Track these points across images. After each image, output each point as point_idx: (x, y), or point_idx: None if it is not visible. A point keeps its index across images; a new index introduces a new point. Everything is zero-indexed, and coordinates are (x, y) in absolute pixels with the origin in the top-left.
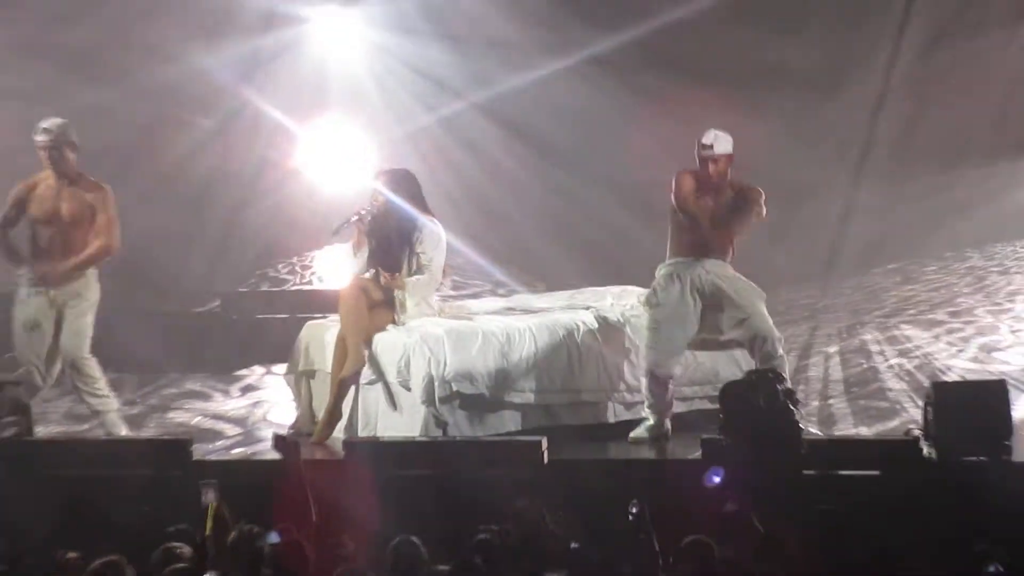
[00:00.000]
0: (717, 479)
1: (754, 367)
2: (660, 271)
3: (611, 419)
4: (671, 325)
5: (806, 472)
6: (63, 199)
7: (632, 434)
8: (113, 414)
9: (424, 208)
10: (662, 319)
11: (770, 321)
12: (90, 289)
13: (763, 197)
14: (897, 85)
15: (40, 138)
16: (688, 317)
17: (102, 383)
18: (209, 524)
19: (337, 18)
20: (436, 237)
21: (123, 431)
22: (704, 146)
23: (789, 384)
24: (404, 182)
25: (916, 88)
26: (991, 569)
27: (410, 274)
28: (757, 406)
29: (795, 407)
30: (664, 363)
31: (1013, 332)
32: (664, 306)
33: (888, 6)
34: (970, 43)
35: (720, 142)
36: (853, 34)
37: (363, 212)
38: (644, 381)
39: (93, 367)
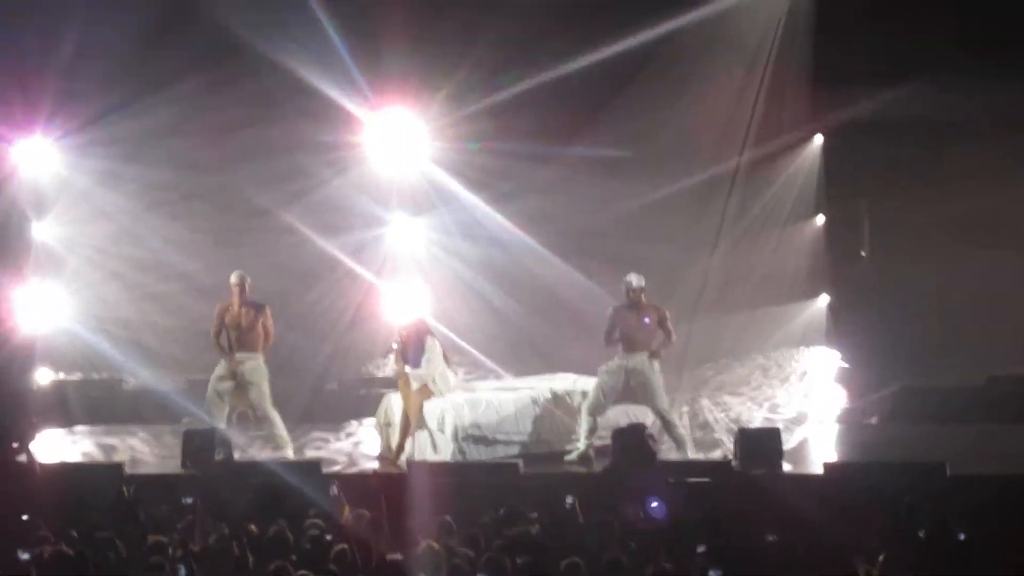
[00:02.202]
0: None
1: (635, 420)
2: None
3: (559, 450)
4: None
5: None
6: (243, 315)
7: (566, 457)
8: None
9: (429, 332)
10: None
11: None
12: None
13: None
14: (716, 264)
15: (234, 280)
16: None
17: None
18: (346, 510)
19: (407, 223)
20: (433, 347)
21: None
22: (628, 283)
23: (650, 431)
24: (418, 322)
25: (727, 266)
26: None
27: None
28: (633, 443)
29: (653, 443)
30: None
31: (787, 397)
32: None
33: (717, 213)
34: (738, 245)
35: (636, 280)
36: (691, 235)
37: (396, 341)
38: (585, 421)
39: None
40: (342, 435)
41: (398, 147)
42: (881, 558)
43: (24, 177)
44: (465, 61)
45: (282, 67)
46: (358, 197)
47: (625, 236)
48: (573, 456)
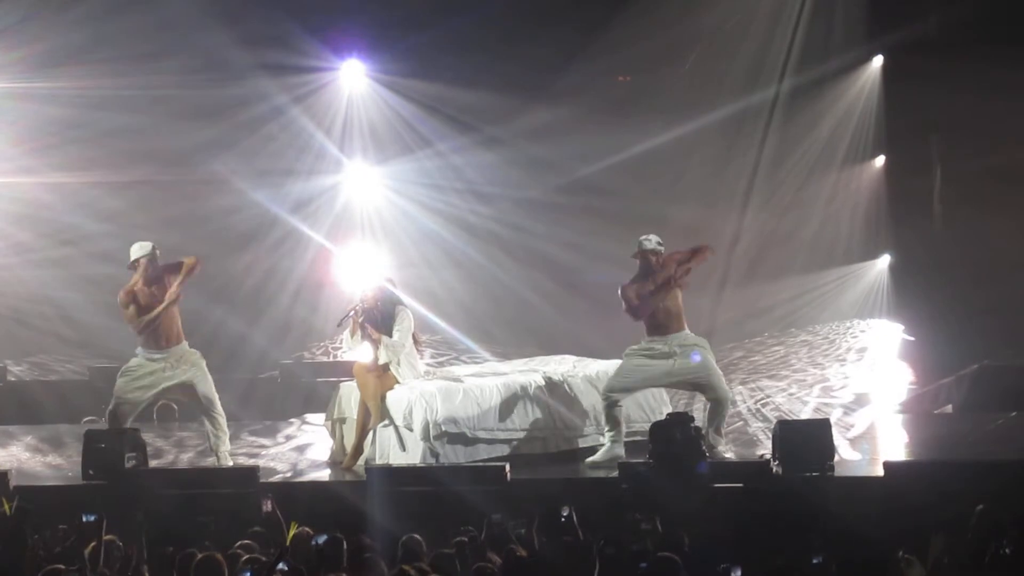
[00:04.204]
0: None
1: (661, 411)
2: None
3: (554, 450)
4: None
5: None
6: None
7: (589, 460)
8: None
9: (399, 302)
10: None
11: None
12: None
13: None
14: (749, 223)
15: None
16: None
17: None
18: (291, 533)
19: (365, 172)
20: (404, 319)
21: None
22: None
23: (697, 423)
24: (384, 288)
25: (763, 225)
26: (815, 560)
27: None
28: (676, 438)
29: (701, 439)
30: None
31: (841, 379)
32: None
33: (750, 157)
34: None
35: (649, 242)
36: (716, 187)
37: (356, 308)
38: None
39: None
40: (283, 435)
41: (357, 76)
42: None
43: None
44: None
45: None
46: (307, 138)
47: (632, 189)
48: (599, 456)
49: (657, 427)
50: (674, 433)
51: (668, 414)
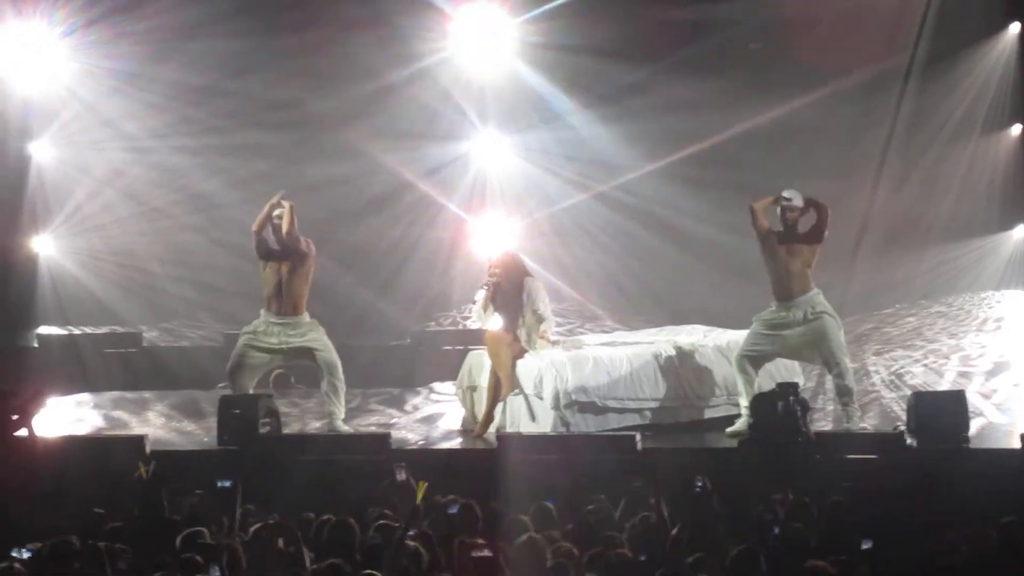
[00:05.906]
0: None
1: (782, 380)
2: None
3: (685, 420)
4: None
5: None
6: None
7: (729, 430)
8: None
9: (527, 273)
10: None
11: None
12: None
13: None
14: (882, 194)
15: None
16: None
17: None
18: (420, 494)
19: (498, 141)
20: (539, 290)
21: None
22: (785, 199)
23: (801, 395)
24: (511, 259)
25: (897, 197)
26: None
27: (524, 319)
28: (776, 411)
29: (805, 411)
30: None
31: (981, 348)
32: None
33: (883, 128)
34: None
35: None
36: (849, 158)
37: (490, 283)
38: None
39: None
40: (411, 405)
41: (489, 46)
42: None
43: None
44: None
45: None
46: (438, 106)
47: (763, 161)
48: (739, 426)
49: (758, 399)
50: (774, 405)
51: (777, 384)
